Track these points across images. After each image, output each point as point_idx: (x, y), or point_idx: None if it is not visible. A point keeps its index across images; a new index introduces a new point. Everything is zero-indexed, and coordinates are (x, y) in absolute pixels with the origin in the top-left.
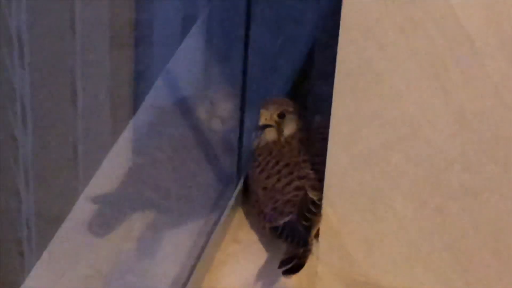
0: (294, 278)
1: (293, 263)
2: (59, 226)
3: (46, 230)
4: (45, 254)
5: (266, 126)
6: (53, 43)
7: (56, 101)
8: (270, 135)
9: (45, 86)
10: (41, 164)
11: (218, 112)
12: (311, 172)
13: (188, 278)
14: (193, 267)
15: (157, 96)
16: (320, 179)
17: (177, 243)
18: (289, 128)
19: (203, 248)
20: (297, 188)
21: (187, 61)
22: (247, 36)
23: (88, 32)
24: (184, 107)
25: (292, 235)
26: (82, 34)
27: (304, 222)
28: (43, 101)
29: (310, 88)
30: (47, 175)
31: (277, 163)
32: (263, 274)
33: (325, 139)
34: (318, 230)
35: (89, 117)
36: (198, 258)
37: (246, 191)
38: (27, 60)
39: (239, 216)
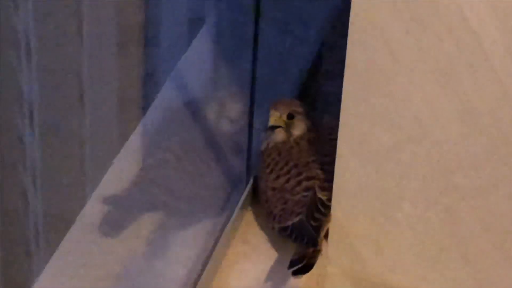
0: (304, 279)
1: (302, 264)
2: (66, 227)
3: (53, 232)
4: (55, 255)
5: (275, 127)
6: (61, 45)
7: (64, 102)
8: (279, 136)
9: (53, 88)
10: (49, 166)
11: (227, 113)
12: (320, 172)
13: (198, 279)
14: (203, 267)
15: (166, 97)
16: (329, 180)
17: (187, 243)
18: (298, 128)
19: (212, 249)
20: (306, 189)
21: (196, 62)
22: (255, 37)
23: (96, 33)
24: (193, 108)
25: (302, 236)
26: (90, 35)
27: (313, 223)
28: (50, 103)
29: (319, 89)
30: (54, 177)
31: (286, 163)
32: (272, 274)
33: (334, 140)
34: (328, 230)
35: (98, 118)
36: (208, 258)
37: (255, 191)
38: (34, 62)
39: (249, 217)
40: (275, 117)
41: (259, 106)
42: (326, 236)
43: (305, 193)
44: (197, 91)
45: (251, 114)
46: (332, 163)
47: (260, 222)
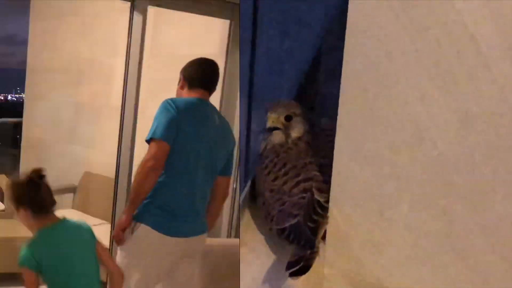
0: (301, 280)
1: (300, 265)
2: None
3: None
4: None
5: (273, 128)
6: None
7: None
8: (277, 137)
9: None
10: None
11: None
12: (317, 174)
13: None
14: None
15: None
16: (327, 181)
17: None
18: (296, 130)
19: None
20: (304, 190)
21: None
22: (254, 38)
23: None
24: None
25: (299, 237)
26: None
27: (310, 224)
28: None
29: (317, 91)
30: None
31: (284, 165)
32: (270, 275)
33: (331, 142)
34: (325, 232)
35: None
36: None
37: (253, 193)
38: None
39: (246, 218)
40: (273, 118)
41: (257, 107)
42: (323, 237)
43: (302, 195)
44: None
45: (249, 115)
46: (330, 165)
47: (258, 223)
